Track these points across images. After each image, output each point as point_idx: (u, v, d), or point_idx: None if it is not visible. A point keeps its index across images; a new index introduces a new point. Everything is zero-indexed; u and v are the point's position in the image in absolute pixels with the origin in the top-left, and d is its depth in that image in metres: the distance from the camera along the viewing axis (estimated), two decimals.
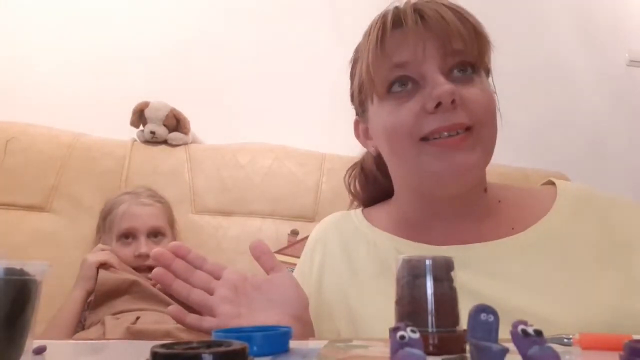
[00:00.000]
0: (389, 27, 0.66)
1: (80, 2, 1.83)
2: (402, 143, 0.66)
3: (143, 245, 1.30)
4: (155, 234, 1.34)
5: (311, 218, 1.58)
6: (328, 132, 1.74)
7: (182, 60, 1.85)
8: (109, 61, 1.80)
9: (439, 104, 0.62)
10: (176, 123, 1.66)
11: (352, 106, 0.77)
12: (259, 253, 0.66)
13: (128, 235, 1.32)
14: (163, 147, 1.65)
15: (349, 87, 0.76)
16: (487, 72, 0.72)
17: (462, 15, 0.66)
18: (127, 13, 1.85)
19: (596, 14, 2.15)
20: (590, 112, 2.08)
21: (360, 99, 0.73)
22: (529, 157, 1.86)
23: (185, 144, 1.66)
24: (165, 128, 1.64)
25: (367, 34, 0.69)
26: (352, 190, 0.84)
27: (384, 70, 0.66)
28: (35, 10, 1.80)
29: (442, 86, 0.62)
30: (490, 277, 0.65)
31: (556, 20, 2.12)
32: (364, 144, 0.78)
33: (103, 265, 1.24)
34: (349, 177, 0.85)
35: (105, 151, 1.57)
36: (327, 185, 1.62)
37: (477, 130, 0.64)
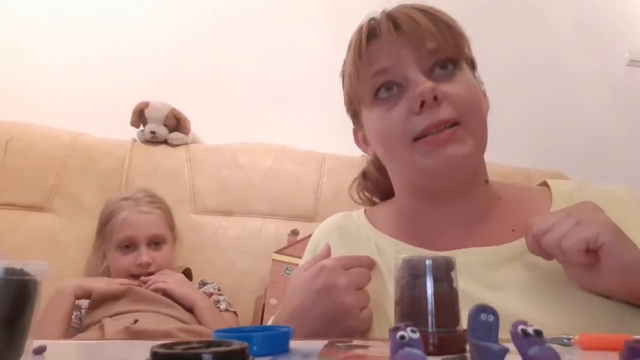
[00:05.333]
0: (364, 40, 0.69)
1: (80, 2, 1.83)
2: (396, 145, 0.68)
3: (144, 254, 1.30)
4: (155, 242, 1.34)
5: (311, 218, 1.58)
6: (328, 132, 1.73)
7: (182, 60, 1.84)
8: (109, 61, 1.80)
9: (423, 103, 0.64)
10: (176, 123, 1.66)
11: (348, 116, 0.80)
12: None
13: (128, 244, 1.31)
14: (163, 147, 1.65)
15: (344, 97, 0.78)
16: (472, 65, 0.74)
17: (434, 16, 0.68)
18: (127, 13, 1.85)
19: (596, 13, 2.15)
20: (590, 111, 2.07)
21: (352, 109, 0.77)
22: (529, 157, 1.85)
23: (186, 144, 1.66)
24: (165, 128, 1.64)
25: (349, 48, 0.73)
26: (362, 198, 0.87)
27: (367, 80, 0.70)
28: (35, 10, 1.80)
29: (423, 84, 0.65)
30: (489, 285, 0.65)
31: (556, 20, 2.12)
32: (365, 151, 0.81)
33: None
34: (356, 188, 0.87)
35: (105, 151, 1.57)
36: (327, 185, 1.62)
37: (465, 123, 0.66)
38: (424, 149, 0.66)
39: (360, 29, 0.71)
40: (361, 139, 0.79)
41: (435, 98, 0.64)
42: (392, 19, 0.69)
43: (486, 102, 0.75)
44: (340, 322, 0.60)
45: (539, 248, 0.59)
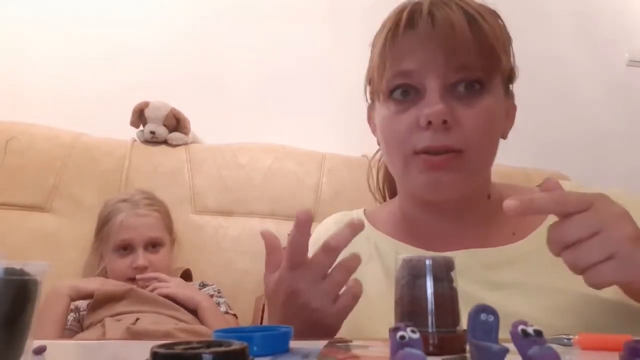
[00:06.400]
0: (400, 29, 0.65)
1: (80, 2, 1.83)
2: (396, 151, 0.68)
3: (140, 258, 1.28)
4: (153, 245, 1.33)
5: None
6: (328, 132, 1.73)
7: (182, 60, 1.84)
8: (109, 61, 1.80)
9: (430, 123, 0.62)
10: (176, 123, 1.66)
11: (368, 88, 0.76)
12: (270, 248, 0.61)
13: (125, 247, 1.31)
14: (163, 147, 1.64)
15: (367, 71, 0.75)
16: (509, 78, 0.72)
17: (479, 26, 0.64)
18: (127, 13, 1.85)
19: (596, 13, 2.15)
20: (590, 111, 2.07)
21: (371, 89, 0.75)
22: (529, 157, 1.85)
23: (185, 144, 1.66)
24: (165, 128, 1.64)
25: (383, 27, 0.69)
26: (378, 186, 0.86)
27: (389, 74, 0.67)
28: (35, 10, 1.80)
29: (434, 106, 0.62)
30: (489, 284, 0.65)
31: (556, 20, 2.12)
32: (373, 132, 0.79)
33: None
34: (376, 173, 0.86)
35: (105, 151, 1.57)
36: (327, 185, 1.62)
37: (469, 153, 0.64)
38: (418, 166, 0.65)
39: (399, 12, 0.66)
40: (373, 119, 0.77)
41: (444, 122, 0.62)
42: (432, 15, 0.64)
43: (510, 118, 0.73)
44: (318, 323, 0.56)
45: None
